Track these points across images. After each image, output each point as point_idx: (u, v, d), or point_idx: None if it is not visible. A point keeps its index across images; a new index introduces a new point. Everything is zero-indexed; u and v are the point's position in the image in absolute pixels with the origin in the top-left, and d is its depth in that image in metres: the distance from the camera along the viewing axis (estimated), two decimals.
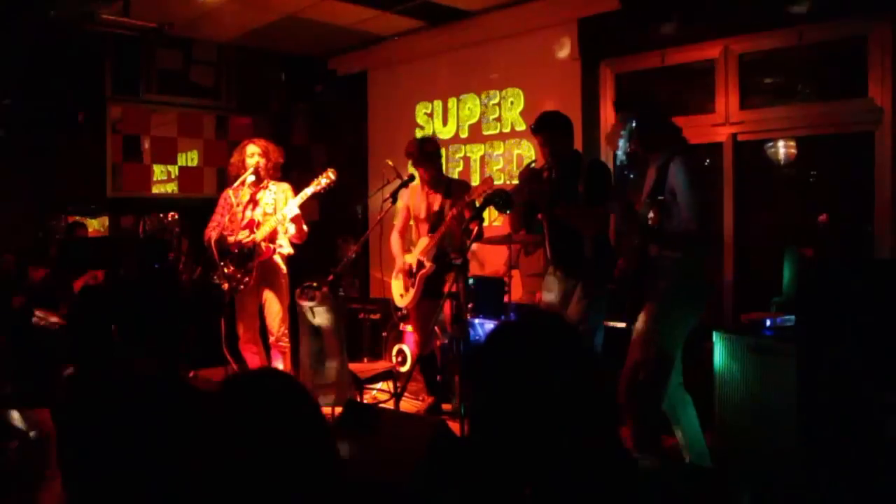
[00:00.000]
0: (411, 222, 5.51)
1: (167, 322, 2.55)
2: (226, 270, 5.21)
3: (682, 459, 3.86)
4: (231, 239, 5.22)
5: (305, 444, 1.37)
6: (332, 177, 5.14)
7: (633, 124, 3.65)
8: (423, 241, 5.29)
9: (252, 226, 5.22)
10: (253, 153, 5.27)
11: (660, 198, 3.63)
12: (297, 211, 5.08)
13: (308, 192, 5.11)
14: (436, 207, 5.26)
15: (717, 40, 5.40)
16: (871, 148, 4.75)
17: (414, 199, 5.38)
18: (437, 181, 5.30)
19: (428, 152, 5.23)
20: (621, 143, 3.63)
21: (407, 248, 5.50)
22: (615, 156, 3.69)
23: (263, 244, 5.18)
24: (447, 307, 4.40)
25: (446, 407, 5.42)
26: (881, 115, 4.66)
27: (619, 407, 3.62)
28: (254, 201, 5.29)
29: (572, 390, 1.42)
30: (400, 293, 5.42)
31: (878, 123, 4.69)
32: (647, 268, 3.72)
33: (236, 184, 5.29)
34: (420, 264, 5.27)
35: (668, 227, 3.62)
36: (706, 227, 3.62)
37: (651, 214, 3.69)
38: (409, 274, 5.34)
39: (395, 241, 5.57)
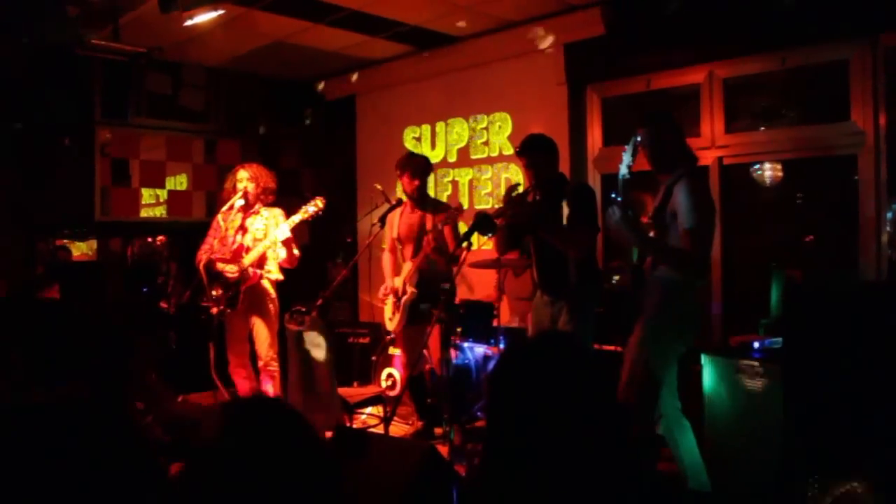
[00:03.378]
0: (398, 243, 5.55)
1: (92, 347, 2.44)
2: (214, 294, 5.20)
3: (684, 485, 3.83)
4: (219, 266, 5.22)
5: (307, 474, 1.35)
6: (321, 204, 5.15)
7: (638, 139, 3.67)
8: (407, 266, 5.33)
9: (241, 251, 5.22)
10: (242, 178, 5.29)
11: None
12: (288, 234, 5.08)
13: (296, 219, 5.12)
14: (417, 226, 5.30)
15: (701, 65, 5.46)
16: (855, 170, 4.81)
17: (396, 219, 5.42)
18: (421, 198, 5.35)
19: (416, 162, 5.34)
20: (625, 157, 3.64)
21: (397, 267, 5.51)
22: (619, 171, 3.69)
23: (251, 269, 5.18)
24: (435, 333, 4.40)
25: (438, 431, 5.37)
26: (863, 139, 4.72)
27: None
28: (243, 227, 5.30)
29: (593, 406, 1.44)
30: (389, 317, 5.43)
31: (860, 146, 4.75)
32: (641, 287, 3.74)
33: (225, 208, 5.30)
34: (404, 290, 5.30)
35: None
36: (700, 254, 3.61)
37: (651, 233, 3.74)
38: (396, 297, 5.37)
39: (385, 259, 5.62)
